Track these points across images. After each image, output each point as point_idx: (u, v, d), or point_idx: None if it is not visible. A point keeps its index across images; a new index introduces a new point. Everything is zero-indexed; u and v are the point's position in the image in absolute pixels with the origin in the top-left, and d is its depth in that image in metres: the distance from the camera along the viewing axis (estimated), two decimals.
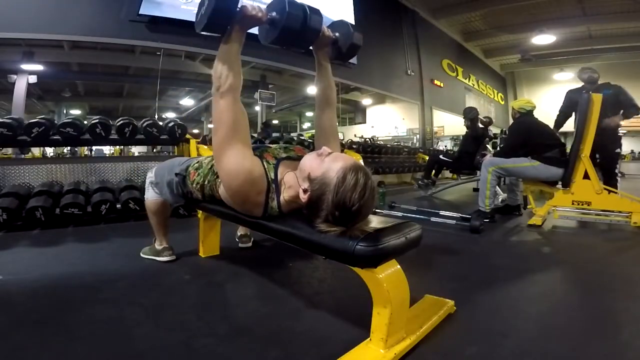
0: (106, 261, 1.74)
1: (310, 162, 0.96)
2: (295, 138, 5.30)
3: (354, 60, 6.78)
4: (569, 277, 1.68)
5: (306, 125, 19.53)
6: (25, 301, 1.24)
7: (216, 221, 1.76)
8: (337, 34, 1.23)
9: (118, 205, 2.61)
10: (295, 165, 1.05)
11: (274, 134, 6.37)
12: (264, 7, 1.06)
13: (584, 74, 3.19)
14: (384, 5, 8.19)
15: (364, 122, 14.75)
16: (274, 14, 1.05)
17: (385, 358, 0.87)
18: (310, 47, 1.23)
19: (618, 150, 3.11)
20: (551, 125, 2.79)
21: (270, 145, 1.21)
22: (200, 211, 1.70)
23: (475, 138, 4.22)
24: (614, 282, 1.51)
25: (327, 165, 0.92)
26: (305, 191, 0.94)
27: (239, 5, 1.00)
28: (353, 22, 6.95)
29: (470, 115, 4.19)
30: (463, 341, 1.00)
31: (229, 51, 1.03)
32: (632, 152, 12.80)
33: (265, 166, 1.05)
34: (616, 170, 3.11)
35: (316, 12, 1.08)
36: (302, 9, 1.05)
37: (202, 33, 1.02)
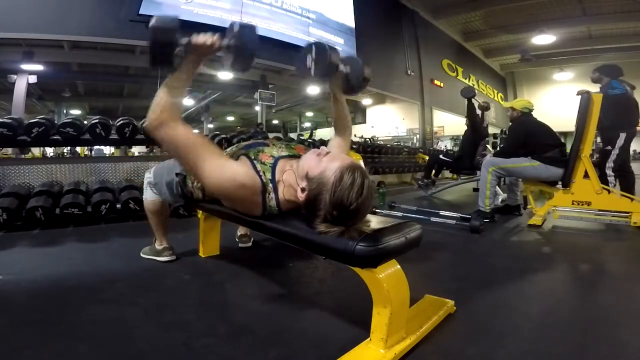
0: (106, 261, 1.74)
1: (309, 162, 0.96)
2: (295, 138, 5.29)
3: None
4: (569, 277, 1.68)
5: (306, 125, 19.53)
6: (25, 301, 1.24)
7: (216, 221, 1.75)
8: (348, 69, 1.25)
9: (118, 205, 2.61)
10: (295, 163, 1.05)
11: (273, 134, 6.37)
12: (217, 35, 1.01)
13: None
14: (384, 5, 8.20)
15: (364, 122, 14.76)
16: (228, 41, 1.02)
17: (385, 358, 0.87)
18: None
19: (608, 147, 3.03)
20: (552, 125, 2.79)
21: (268, 144, 1.19)
22: (200, 211, 1.70)
23: (475, 130, 4.06)
24: (614, 282, 1.51)
25: (324, 164, 0.92)
26: (303, 190, 0.94)
27: (186, 37, 0.96)
28: (353, 23, 6.96)
29: (468, 94, 3.93)
30: (463, 341, 1.00)
31: (174, 82, 1.00)
32: (635, 151, 12.77)
33: (259, 167, 1.04)
34: (607, 169, 3.02)
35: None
36: (255, 35, 1.03)
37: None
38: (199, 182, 1.10)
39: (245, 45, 1.01)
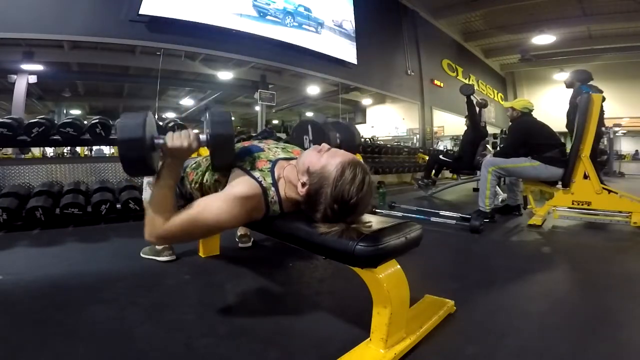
0: (106, 261, 1.74)
1: (310, 157, 0.97)
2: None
3: (354, 60, 6.79)
4: (569, 277, 1.68)
5: None
6: (25, 301, 1.24)
7: None
8: (338, 136, 1.31)
9: (118, 205, 2.61)
10: (294, 162, 1.05)
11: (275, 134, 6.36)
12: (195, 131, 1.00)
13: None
14: (384, 5, 8.19)
15: (364, 122, 14.73)
16: (204, 137, 0.99)
17: (385, 358, 0.87)
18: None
19: None
20: (552, 125, 2.80)
21: (264, 149, 1.16)
22: None
23: (475, 129, 4.05)
24: (613, 281, 1.51)
25: (325, 159, 0.93)
26: (303, 185, 0.95)
27: (160, 139, 0.94)
28: (353, 23, 6.95)
29: (467, 92, 3.90)
30: (463, 341, 1.00)
31: (159, 192, 0.97)
32: (637, 151, 12.75)
33: (258, 174, 1.03)
34: None
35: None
36: (230, 128, 1.00)
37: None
38: None
39: (222, 142, 0.98)
